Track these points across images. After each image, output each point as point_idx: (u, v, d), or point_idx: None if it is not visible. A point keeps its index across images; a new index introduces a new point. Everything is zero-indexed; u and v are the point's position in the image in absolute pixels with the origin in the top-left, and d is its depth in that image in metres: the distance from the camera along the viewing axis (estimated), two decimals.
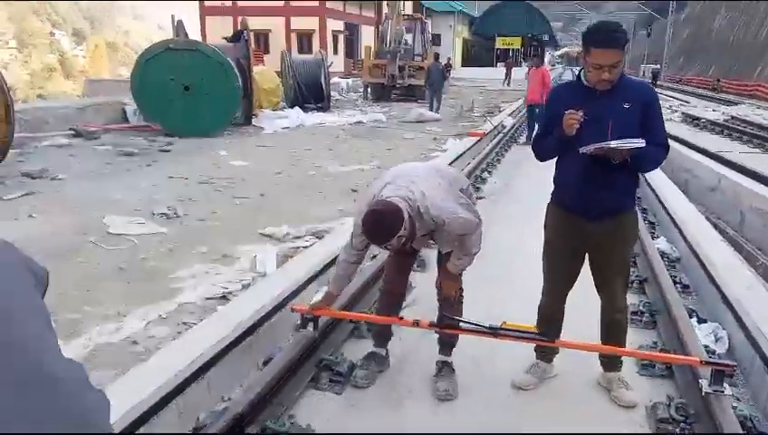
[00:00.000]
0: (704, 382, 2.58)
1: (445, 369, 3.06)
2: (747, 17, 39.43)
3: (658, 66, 38.25)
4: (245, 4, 32.50)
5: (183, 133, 11.83)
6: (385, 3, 26.91)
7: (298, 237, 5.51)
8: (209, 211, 6.46)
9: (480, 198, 7.45)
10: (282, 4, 33.48)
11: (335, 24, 35.36)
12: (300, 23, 33.65)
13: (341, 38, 36.67)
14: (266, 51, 32.07)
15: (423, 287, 4.09)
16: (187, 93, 12.03)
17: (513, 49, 56.23)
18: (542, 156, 2.93)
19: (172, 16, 13.93)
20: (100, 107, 13.67)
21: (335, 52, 34.54)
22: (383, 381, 3.10)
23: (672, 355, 3.13)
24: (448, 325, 3.00)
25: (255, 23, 28.89)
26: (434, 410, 2.87)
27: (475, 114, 18.59)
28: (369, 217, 2.61)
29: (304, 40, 34.15)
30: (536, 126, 10.58)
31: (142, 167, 9.00)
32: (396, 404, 2.91)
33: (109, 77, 41.29)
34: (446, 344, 3.10)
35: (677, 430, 2.60)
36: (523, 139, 12.85)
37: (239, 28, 14.78)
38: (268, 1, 32.60)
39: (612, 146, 2.52)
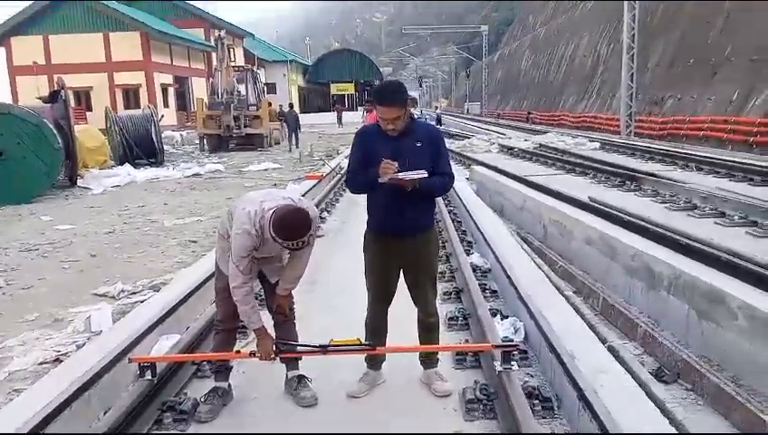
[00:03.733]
0: (497, 364, 3.10)
1: (302, 381, 3.36)
2: (547, 59, 45.03)
3: (440, 111, 42.02)
4: (62, 62, 30.61)
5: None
6: (214, 55, 26.97)
7: (134, 293, 5.47)
8: (35, 278, 6.15)
9: (320, 236, 7.83)
10: (103, 60, 32.07)
11: (163, 78, 34.56)
12: (124, 78, 32.46)
13: (171, 91, 35.88)
14: (89, 108, 30.56)
15: None
16: (1, 159, 11.32)
17: (347, 94, 58.70)
18: (356, 191, 3.39)
19: None
20: None
21: (166, 105, 33.68)
22: (228, 413, 3.26)
23: (470, 344, 3.71)
24: (286, 350, 3.28)
25: (75, 80, 27.42)
26: (279, 427, 3.09)
27: (315, 158, 19.19)
28: (286, 221, 2.83)
29: (131, 94, 32.91)
30: None
31: None
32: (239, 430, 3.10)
33: None
34: (291, 361, 3.39)
35: (481, 407, 3.08)
36: None
37: (55, 87, 14.12)
38: (88, 57, 31.05)
39: (400, 176, 3.01)
